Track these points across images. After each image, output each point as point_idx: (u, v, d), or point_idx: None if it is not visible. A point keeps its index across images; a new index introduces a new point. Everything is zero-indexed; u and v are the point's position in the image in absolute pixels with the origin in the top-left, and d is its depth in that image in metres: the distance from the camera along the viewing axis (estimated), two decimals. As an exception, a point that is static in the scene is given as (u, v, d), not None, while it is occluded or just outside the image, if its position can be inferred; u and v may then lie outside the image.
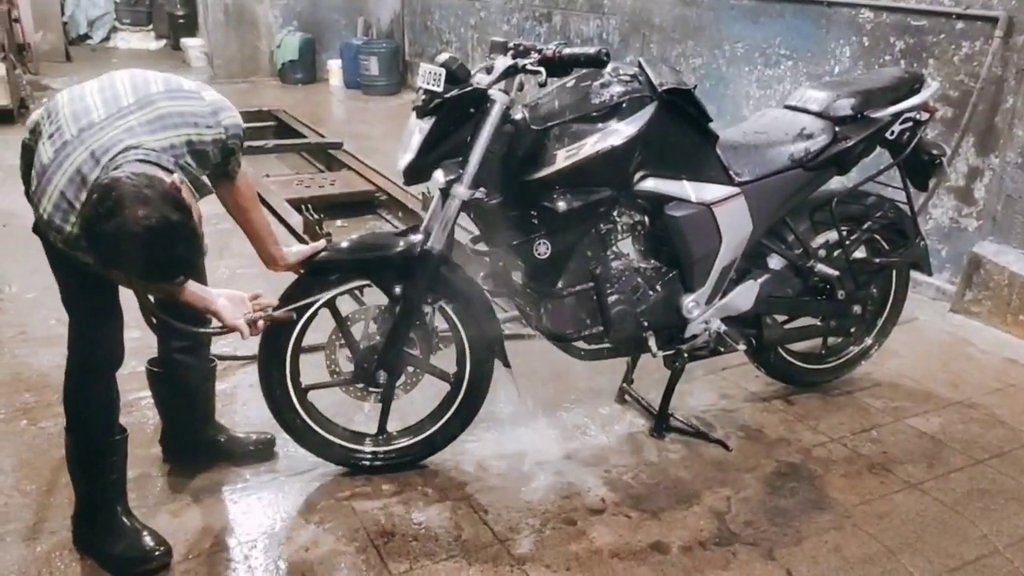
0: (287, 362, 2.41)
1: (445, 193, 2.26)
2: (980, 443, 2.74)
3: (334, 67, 9.03)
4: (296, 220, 4.66)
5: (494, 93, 2.21)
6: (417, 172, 2.28)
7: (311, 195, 5.24)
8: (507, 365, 2.44)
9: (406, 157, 2.25)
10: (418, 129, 2.24)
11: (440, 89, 2.17)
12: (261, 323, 2.19)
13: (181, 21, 11.18)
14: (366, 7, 9.34)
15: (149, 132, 1.83)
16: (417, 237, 2.28)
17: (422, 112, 2.23)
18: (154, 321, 2.12)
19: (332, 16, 9.33)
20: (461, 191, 2.22)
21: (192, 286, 2.05)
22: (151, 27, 12.15)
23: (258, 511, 2.37)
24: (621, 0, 5.73)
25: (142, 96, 1.89)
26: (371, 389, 2.44)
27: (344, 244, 2.39)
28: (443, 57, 2.24)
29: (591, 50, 2.18)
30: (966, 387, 3.09)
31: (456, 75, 2.21)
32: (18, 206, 2.10)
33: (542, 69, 2.18)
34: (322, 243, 2.38)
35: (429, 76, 2.17)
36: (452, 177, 2.23)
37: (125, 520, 2.18)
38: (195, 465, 2.54)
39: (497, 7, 7.21)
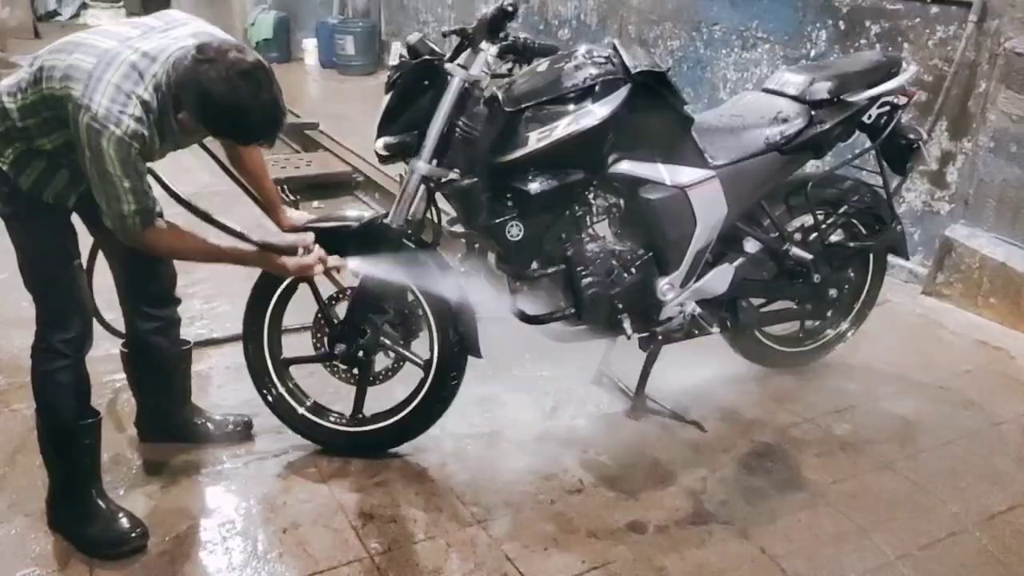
0: (265, 333, 2.46)
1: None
2: (951, 424, 2.79)
3: (309, 46, 8.91)
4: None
5: (451, 68, 2.23)
6: (387, 143, 2.29)
7: (287, 176, 5.19)
8: (478, 355, 2.42)
9: (376, 130, 2.29)
10: (384, 106, 2.28)
11: (395, 63, 2.26)
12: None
13: (153, -3, 11.00)
14: (342, -15, 9.23)
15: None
16: (379, 213, 2.30)
17: (387, 88, 2.28)
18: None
19: (308, -6, 9.21)
20: (420, 165, 2.24)
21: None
22: (122, 4, 11.91)
23: (235, 493, 2.36)
24: (599, -19, 5.71)
25: (169, 21, 2.01)
26: (352, 370, 2.45)
27: (319, 218, 2.42)
28: (413, 37, 2.28)
29: (496, 7, 2.23)
30: (937, 369, 3.14)
31: (419, 52, 2.26)
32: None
33: (475, 33, 2.24)
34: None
35: (395, 54, 2.26)
36: (393, 141, 2.26)
37: (100, 502, 2.17)
38: (171, 447, 2.53)
39: (475, -13, 7.15)
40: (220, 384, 2.90)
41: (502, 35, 2.24)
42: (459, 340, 2.40)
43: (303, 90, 8.15)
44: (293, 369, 2.57)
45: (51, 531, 2.17)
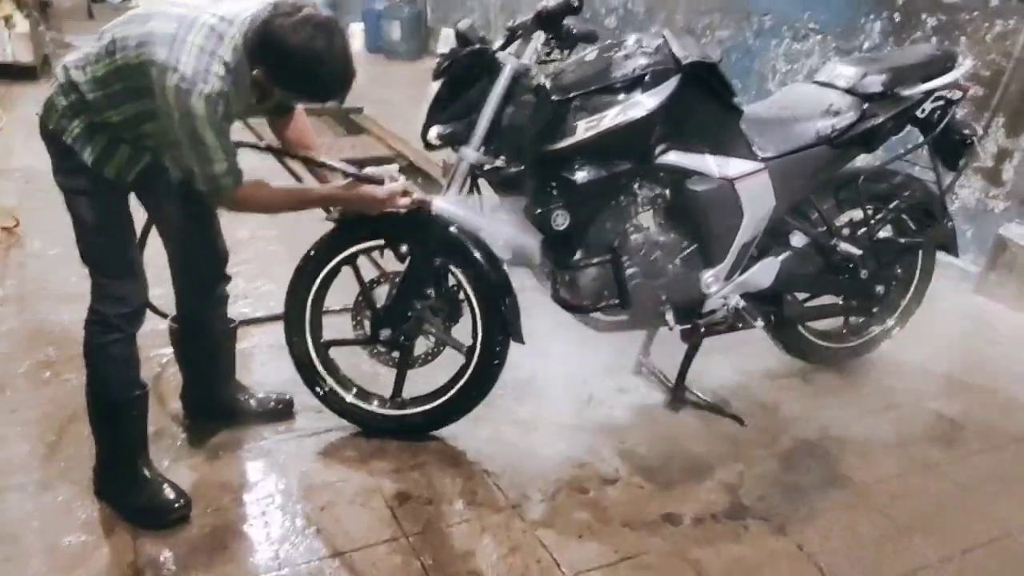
0: (307, 315, 2.48)
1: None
2: (999, 428, 2.72)
3: (356, 31, 8.98)
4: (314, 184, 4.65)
5: (503, 56, 2.23)
6: (438, 135, 2.30)
7: (330, 160, 5.23)
8: (520, 341, 2.42)
9: (420, 118, 2.29)
10: (431, 92, 2.28)
11: (447, 51, 2.24)
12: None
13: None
14: (390, -29, 9.25)
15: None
16: (427, 198, 2.30)
17: (436, 75, 2.28)
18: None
19: (356, -21, 9.26)
20: (469, 153, 2.24)
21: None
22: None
23: (276, 469, 2.40)
24: (649, -31, 5.65)
25: None
26: (392, 353, 2.47)
27: None
28: (463, 23, 2.28)
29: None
30: (987, 371, 3.07)
31: (468, 38, 2.27)
32: (41, 162, 2.11)
33: (533, 25, 2.23)
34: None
35: (444, 41, 2.26)
36: (447, 132, 2.26)
37: (146, 472, 2.22)
38: (215, 423, 2.57)
39: (522, -26, 7.12)
40: (263, 362, 2.94)
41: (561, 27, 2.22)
42: (503, 326, 2.39)
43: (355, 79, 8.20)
44: (332, 351, 2.59)
45: (97, 500, 2.23)
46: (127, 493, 2.20)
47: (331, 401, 2.55)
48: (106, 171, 2.02)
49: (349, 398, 2.54)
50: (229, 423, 2.57)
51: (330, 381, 2.54)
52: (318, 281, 2.47)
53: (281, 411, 2.62)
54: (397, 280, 2.42)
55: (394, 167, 2.28)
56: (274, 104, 2.21)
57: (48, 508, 2.21)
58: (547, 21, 2.21)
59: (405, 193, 2.23)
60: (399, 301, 2.40)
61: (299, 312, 2.49)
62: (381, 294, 2.47)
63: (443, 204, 2.28)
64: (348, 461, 2.45)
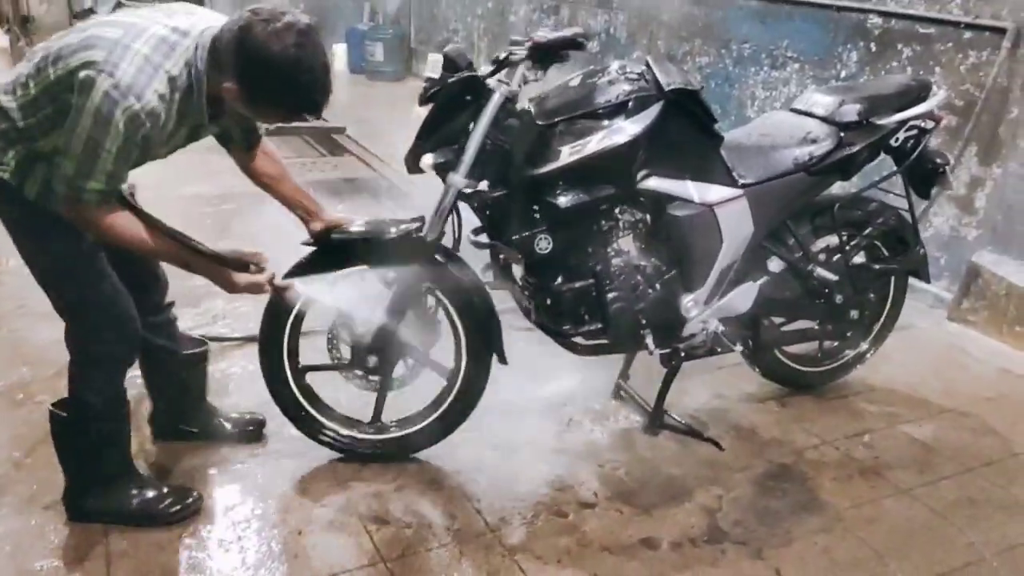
0: (285, 341, 2.43)
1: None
2: (971, 451, 2.76)
3: (339, 51, 9.00)
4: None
5: (492, 83, 2.24)
6: (417, 159, 2.31)
7: (313, 179, 5.24)
8: (503, 361, 2.44)
9: (407, 145, 2.28)
10: (416, 117, 2.29)
11: (437, 76, 2.23)
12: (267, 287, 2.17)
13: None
14: (373, -8, 9.31)
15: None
16: (414, 224, 2.29)
17: (422, 100, 2.27)
18: None
19: (339, 0, 9.29)
20: (457, 179, 2.23)
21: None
22: (156, 3, 12.08)
23: (252, 492, 2.38)
24: (630, -5, 5.73)
25: (191, 9, 1.97)
26: (369, 377, 2.46)
27: (350, 227, 2.35)
28: (452, 48, 2.28)
29: (568, 33, 2.21)
30: (959, 395, 3.11)
31: (456, 64, 2.25)
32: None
33: (527, 57, 2.22)
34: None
35: (432, 66, 2.27)
36: (441, 160, 2.27)
37: (142, 474, 2.28)
38: (189, 445, 2.55)
39: (505, -2, 7.19)
40: (240, 385, 2.92)
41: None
42: (487, 347, 2.40)
43: (332, 94, 8.21)
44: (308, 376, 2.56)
45: (71, 520, 2.20)
46: (127, 499, 2.20)
47: (309, 427, 2.52)
48: (51, 205, 1.87)
49: (328, 424, 2.52)
50: (201, 446, 2.54)
51: (307, 407, 2.51)
52: (296, 307, 2.42)
53: (253, 432, 2.60)
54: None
55: (264, 255, 2.16)
56: (238, 129, 2.16)
57: (20, 532, 2.17)
58: (540, 56, 2.21)
59: (270, 282, 2.14)
60: (385, 326, 2.38)
61: (276, 337, 2.45)
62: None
63: (303, 289, 2.25)
64: (326, 484, 2.43)
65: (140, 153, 1.84)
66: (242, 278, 2.09)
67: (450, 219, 2.36)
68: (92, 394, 2.10)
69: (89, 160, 1.77)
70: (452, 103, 2.23)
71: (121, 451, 2.23)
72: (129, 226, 1.91)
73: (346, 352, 2.45)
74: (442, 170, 2.28)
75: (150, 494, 2.25)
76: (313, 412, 2.51)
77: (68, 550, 2.13)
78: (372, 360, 2.42)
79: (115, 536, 2.17)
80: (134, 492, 2.23)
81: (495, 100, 2.21)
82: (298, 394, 2.49)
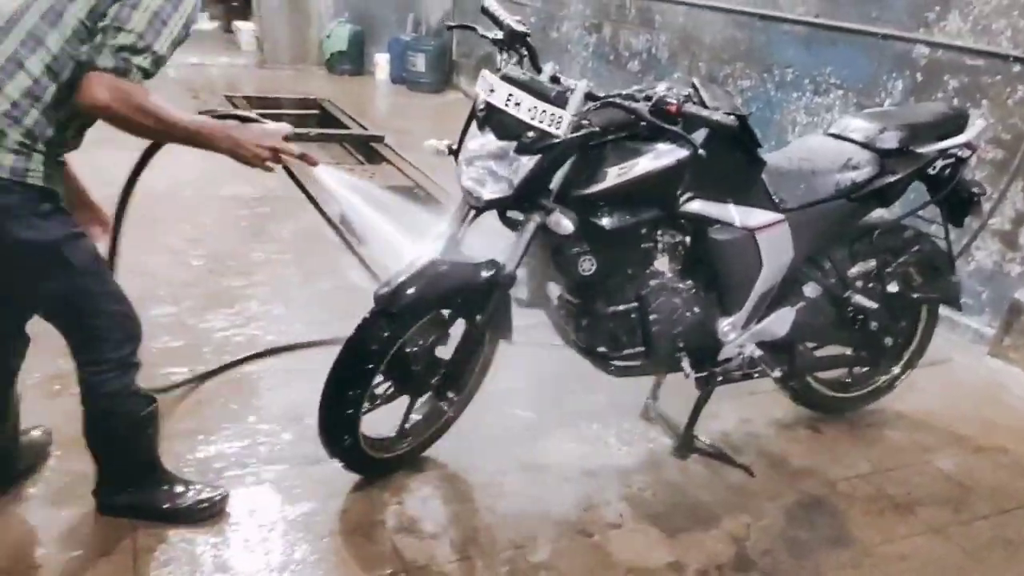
0: (359, 424, 2.35)
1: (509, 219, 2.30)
2: (1008, 491, 2.70)
3: (381, 61, 9.08)
4: (334, 210, 4.68)
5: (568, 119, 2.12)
6: (502, 205, 2.26)
7: (350, 186, 5.27)
8: (509, 340, 2.46)
9: (497, 188, 2.18)
10: (515, 162, 2.16)
11: (560, 132, 2.08)
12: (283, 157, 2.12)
13: (235, 4, 11.32)
14: (417, 4, 9.38)
15: None
16: (489, 267, 2.25)
17: (529, 150, 2.12)
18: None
19: (383, 10, 9.38)
20: (566, 223, 2.14)
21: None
22: (205, 10, 12.31)
23: (279, 495, 2.39)
24: (672, 16, 5.72)
25: None
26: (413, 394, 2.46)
27: (409, 278, 2.23)
28: (551, 87, 2.17)
29: (724, 117, 2.09)
30: (998, 432, 3.04)
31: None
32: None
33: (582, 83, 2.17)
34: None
35: (544, 115, 2.08)
36: (499, 196, 2.20)
37: (169, 470, 2.29)
38: (220, 447, 2.56)
39: (547, 15, 7.22)
40: (271, 387, 2.94)
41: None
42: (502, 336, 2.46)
43: (372, 103, 8.29)
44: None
45: (101, 516, 2.22)
46: (158, 497, 2.24)
47: (352, 458, 2.43)
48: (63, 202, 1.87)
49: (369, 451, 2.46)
50: (232, 446, 2.56)
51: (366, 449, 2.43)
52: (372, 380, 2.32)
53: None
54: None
55: (287, 127, 2.14)
56: None
57: (51, 523, 2.20)
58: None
59: (287, 138, 2.09)
60: (464, 365, 2.42)
61: (351, 415, 2.31)
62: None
63: (324, 171, 2.29)
64: (352, 491, 2.43)
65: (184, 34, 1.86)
66: (271, 126, 2.07)
67: (464, 223, 2.34)
68: (123, 396, 2.11)
69: (152, 31, 1.77)
70: (564, 158, 2.17)
71: (151, 448, 2.25)
72: (164, 103, 1.86)
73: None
74: (497, 207, 2.25)
75: (178, 490, 2.27)
76: (371, 452, 2.45)
77: (96, 543, 2.15)
78: (448, 394, 2.47)
79: (143, 531, 2.19)
80: (164, 488, 2.26)
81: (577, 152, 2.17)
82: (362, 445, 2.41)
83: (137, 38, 1.77)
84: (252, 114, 2.10)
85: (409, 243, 2.38)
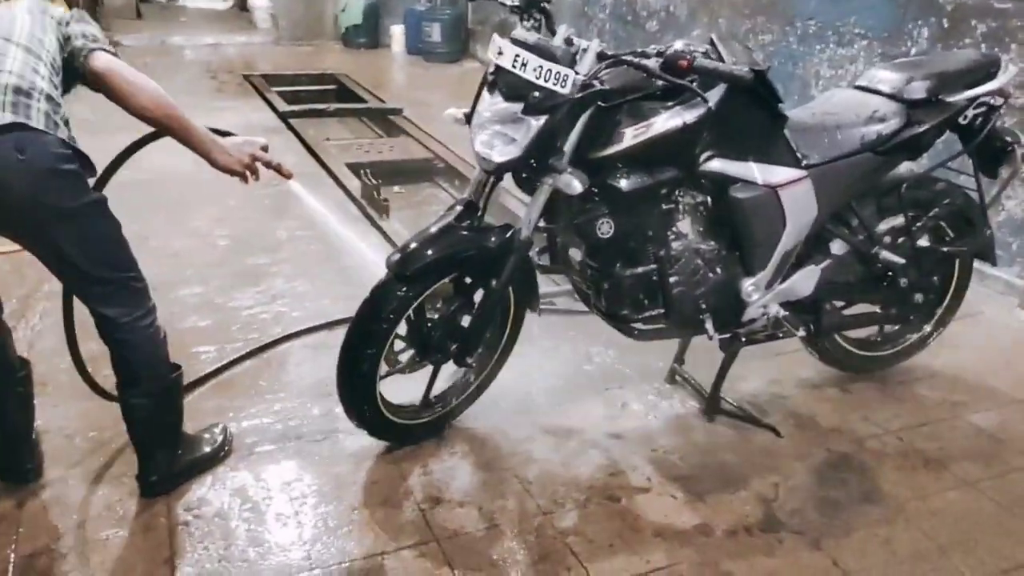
0: (376, 388, 2.38)
1: (528, 180, 2.28)
2: (1042, 444, 2.66)
3: (397, 32, 9.04)
4: (355, 184, 4.70)
5: (577, 78, 2.12)
6: (514, 168, 2.25)
7: (370, 160, 5.28)
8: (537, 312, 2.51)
9: (507, 151, 2.16)
10: (524, 124, 2.14)
11: (566, 91, 2.07)
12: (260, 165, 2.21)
13: (249, -18, 11.29)
14: (431, -27, 9.30)
15: None
16: (503, 231, 2.27)
17: (537, 110, 2.11)
18: None
19: (398, -19, 9.32)
20: (576, 184, 2.14)
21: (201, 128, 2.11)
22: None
23: (310, 469, 2.42)
24: (691, -28, 5.61)
25: None
26: (435, 362, 2.47)
27: (422, 243, 2.26)
28: (558, 47, 2.15)
29: (738, 69, 2.05)
30: (1030, 386, 3.00)
31: (561, 60, 2.13)
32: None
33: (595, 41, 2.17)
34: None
35: (549, 74, 2.07)
36: (508, 158, 2.18)
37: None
38: (252, 421, 2.60)
39: (563, -24, 7.11)
40: (298, 362, 2.97)
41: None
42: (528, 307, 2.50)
43: (389, 76, 8.27)
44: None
45: (137, 496, 2.27)
46: (192, 450, 2.37)
47: (374, 423, 2.46)
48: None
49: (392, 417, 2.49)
50: (269, 420, 2.61)
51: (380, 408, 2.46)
52: (388, 343, 2.34)
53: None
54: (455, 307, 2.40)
55: (261, 141, 2.22)
56: None
57: (89, 503, 2.25)
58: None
59: (264, 149, 2.20)
60: (482, 327, 2.41)
61: (367, 378, 2.34)
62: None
63: (298, 186, 2.41)
64: (381, 462, 2.46)
65: None
66: (235, 140, 2.16)
67: (484, 189, 2.34)
68: (158, 365, 2.18)
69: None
70: (574, 115, 2.15)
71: (181, 415, 2.34)
72: (130, 71, 2.03)
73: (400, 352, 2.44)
74: (508, 170, 2.25)
75: (205, 437, 2.44)
76: (391, 416, 2.48)
77: (132, 521, 2.20)
78: (467, 359, 2.46)
79: (178, 507, 2.24)
80: (195, 443, 2.40)
81: (590, 112, 2.15)
82: (382, 409, 2.45)
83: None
84: (230, 131, 2.20)
85: (373, 257, 2.49)
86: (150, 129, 2.12)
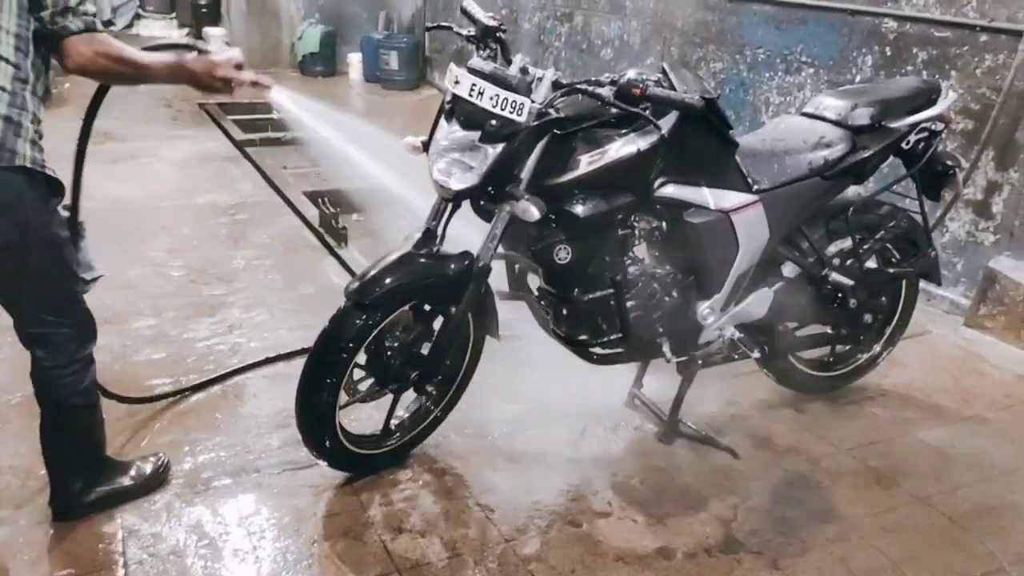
0: (336, 417, 2.37)
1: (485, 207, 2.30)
2: (989, 459, 2.73)
3: (354, 60, 9.04)
4: (312, 213, 4.68)
5: (531, 106, 2.15)
6: (472, 195, 2.27)
7: (328, 188, 5.26)
8: (496, 337, 2.51)
9: (465, 178, 2.18)
10: (481, 152, 2.17)
11: (523, 119, 2.11)
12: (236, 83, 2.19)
13: (204, 10, 11.18)
14: (388, 2, 9.35)
15: None
16: (462, 258, 2.28)
17: (494, 138, 2.15)
18: None
19: (354, 9, 9.34)
20: (533, 211, 2.14)
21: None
22: (174, 15, 12.19)
23: (268, 502, 2.39)
24: (643, 2, 5.72)
25: None
26: (395, 391, 2.46)
27: (380, 271, 2.28)
28: (514, 76, 2.18)
29: (690, 97, 2.10)
30: (977, 402, 3.08)
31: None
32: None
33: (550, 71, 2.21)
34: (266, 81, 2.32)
35: (506, 103, 2.09)
36: (465, 186, 2.20)
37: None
38: (210, 456, 2.56)
39: (519, 6, 7.20)
40: (256, 393, 2.94)
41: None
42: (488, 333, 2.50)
43: (347, 103, 8.25)
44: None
45: (88, 531, 2.22)
46: (116, 479, 2.33)
47: (333, 454, 2.44)
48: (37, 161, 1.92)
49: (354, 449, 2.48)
50: (226, 454, 2.57)
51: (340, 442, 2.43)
52: (345, 376, 2.34)
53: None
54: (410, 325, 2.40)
55: (237, 52, 2.20)
56: None
57: (40, 541, 2.20)
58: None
59: (239, 67, 2.17)
60: (440, 355, 2.40)
61: (327, 408, 2.33)
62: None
63: (279, 95, 2.36)
64: (341, 494, 2.44)
65: None
66: (219, 56, 2.14)
67: (442, 217, 2.34)
68: (86, 391, 2.18)
69: None
70: (530, 144, 2.18)
71: (104, 438, 2.32)
72: (127, 47, 2.00)
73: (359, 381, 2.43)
74: (466, 197, 2.27)
75: (134, 467, 2.39)
76: (351, 447, 2.47)
77: (86, 560, 2.15)
78: (426, 387, 2.46)
79: (133, 545, 2.19)
80: (120, 471, 2.36)
81: (546, 140, 2.19)
82: (341, 439, 2.43)
83: (77, 4, 1.90)
84: (198, 43, 2.21)
85: (366, 159, 2.47)
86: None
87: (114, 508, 2.29)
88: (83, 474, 2.26)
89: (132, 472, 2.37)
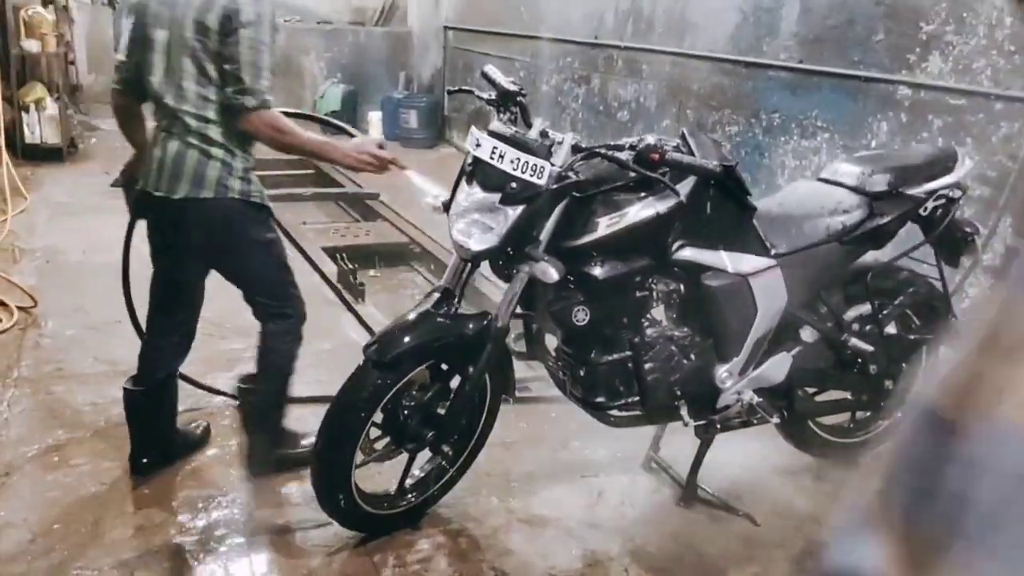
0: (351, 477, 2.35)
1: (506, 268, 2.32)
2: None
3: (374, 119, 9.21)
4: (331, 268, 4.71)
5: (552, 169, 2.19)
6: (491, 256, 2.29)
7: (346, 244, 5.31)
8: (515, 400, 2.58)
9: (485, 239, 2.22)
10: (501, 213, 2.19)
11: (543, 182, 2.14)
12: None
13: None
14: (408, 62, 9.56)
15: None
16: (480, 318, 2.30)
17: (514, 200, 2.18)
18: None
19: (375, 69, 9.55)
20: (552, 273, 2.18)
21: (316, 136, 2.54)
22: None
23: (280, 562, 2.36)
24: (659, 66, 5.82)
25: None
26: (411, 450, 2.44)
27: (399, 330, 2.29)
28: (534, 139, 2.22)
29: (709, 163, 2.14)
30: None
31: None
32: (64, 242, 2.15)
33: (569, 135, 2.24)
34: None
35: (526, 166, 2.13)
36: (484, 247, 2.23)
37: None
38: (220, 511, 2.54)
39: (536, 68, 7.35)
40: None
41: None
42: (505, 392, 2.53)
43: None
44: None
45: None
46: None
47: (348, 513, 2.41)
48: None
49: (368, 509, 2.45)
50: (229, 513, 2.55)
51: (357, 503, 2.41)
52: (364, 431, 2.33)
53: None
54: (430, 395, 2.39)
55: (379, 138, 2.40)
56: None
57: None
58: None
59: (381, 147, 2.54)
60: (458, 415, 2.39)
61: (343, 466, 2.32)
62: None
63: (418, 177, 2.46)
64: (354, 554, 2.41)
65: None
66: (364, 142, 2.59)
67: (461, 277, 2.37)
68: (294, 359, 2.67)
69: (260, 60, 2.32)
70: (551, 206, 2.21)
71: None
72: (293, 124, 2.45)
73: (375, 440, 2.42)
74: (486, 258, 2.28)
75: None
76: (368, 508, 2.44)
77: None
78: (443, 448, 2.46)
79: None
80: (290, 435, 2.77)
81: (565, 203, 2.22)
82: (359, 501, 2.41)
83: (252, 84, 2.32)
84: (348, 127, 2.68)
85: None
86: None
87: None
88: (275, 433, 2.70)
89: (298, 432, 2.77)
